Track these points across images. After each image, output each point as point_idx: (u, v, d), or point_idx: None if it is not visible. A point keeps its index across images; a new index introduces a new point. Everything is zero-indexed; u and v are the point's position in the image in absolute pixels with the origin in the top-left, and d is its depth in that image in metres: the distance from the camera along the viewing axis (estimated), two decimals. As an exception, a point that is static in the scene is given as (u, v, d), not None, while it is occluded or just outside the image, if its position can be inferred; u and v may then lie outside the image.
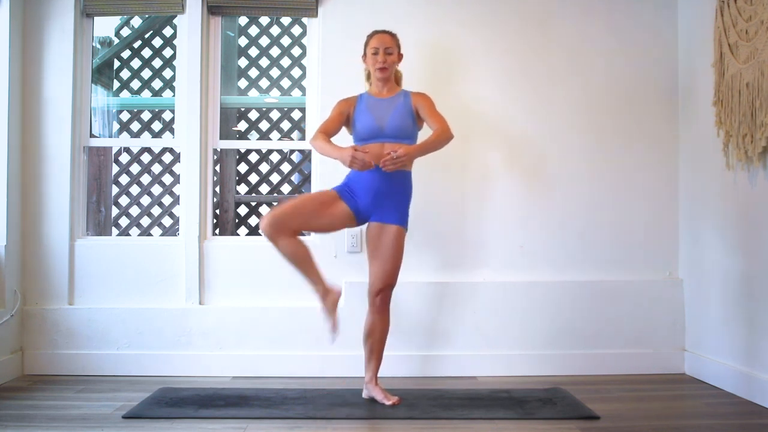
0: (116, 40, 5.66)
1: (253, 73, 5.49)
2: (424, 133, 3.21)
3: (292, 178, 5.59)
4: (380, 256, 3.10)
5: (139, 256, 3.77)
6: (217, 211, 5.26)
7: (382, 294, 3.11)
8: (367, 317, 3.17)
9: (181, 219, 3.82)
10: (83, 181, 3.86)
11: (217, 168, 5.10)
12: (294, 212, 3.03)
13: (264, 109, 5.55)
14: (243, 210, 5.51)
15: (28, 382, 3.50)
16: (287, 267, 3.70)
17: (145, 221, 5.51)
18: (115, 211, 5.53)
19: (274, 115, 5.56)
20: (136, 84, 5.58)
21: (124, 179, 5.59)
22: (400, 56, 3.28)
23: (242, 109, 5.58)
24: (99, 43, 5.52)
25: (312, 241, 3.84)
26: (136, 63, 5.54)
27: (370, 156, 2.99)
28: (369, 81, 3.33)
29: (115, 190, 5.53)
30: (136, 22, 5.66)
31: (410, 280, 3.64)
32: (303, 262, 3.03)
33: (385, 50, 3.19)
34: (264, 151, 5.55)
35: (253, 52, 5.47)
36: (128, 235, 5.48)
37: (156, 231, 5.50)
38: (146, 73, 5.54)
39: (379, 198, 3.11)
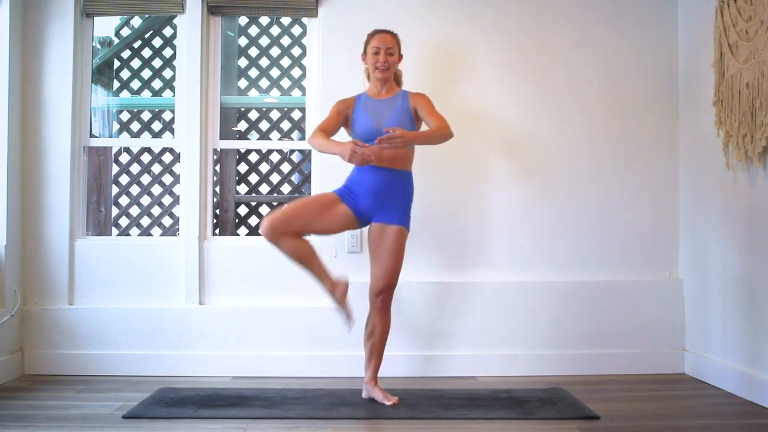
0: (116, 40, 5.66)
1: (253, 73, 5.49)
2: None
3: (292, 178, 5.59)
4: (381, 256, 3.10)
5: (139, 256, 3.77)
6: (217, 211, 5.26)
7: (383, 294, 3.11)
8: (368, 317, 3.17)
9: (181, 219, 3.82)
10: (83, 181, 3.86)
11: (217, 168, 5.10)
12: (294, 214, 3.04)
13: (264, 109, 5.54)
14: (243, 210, 5.50)
15: (28, 382, 3.50)
16: (287, 267, 3.71)
17: (145, 221, 5.51)
18: (115, 211, 5.53)
19: (274, 115, 5.55)
20: (136, 84, 5.58)
21: (124, 179, 5.58)
22: (400, 56, 3.28)
23: (242, 109, 5.58)
24: (99, 43, 5.51)
25: (312, 241, 3.84)
26: (136, 63, 5.54)
27: (370, 152, 2.99)
28: (368, 80, 3.33)
29: (115, 190, 5.52)
30: (136, 22, 5.66)
31: (411, 280, 3.64)
32: (306, 259, 3.04)
33: (386, 50, 3.19)
34: (264, 151, 5.55)
35: (253, 52, 5.46)
36: (128, 235, 5.48)
37: (156, 231, 5.50)
38: (146, 73, 5.54)
39: (380, 199, 3.11)
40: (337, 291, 3.05)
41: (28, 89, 3.74)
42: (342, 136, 3.30)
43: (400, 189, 3.15)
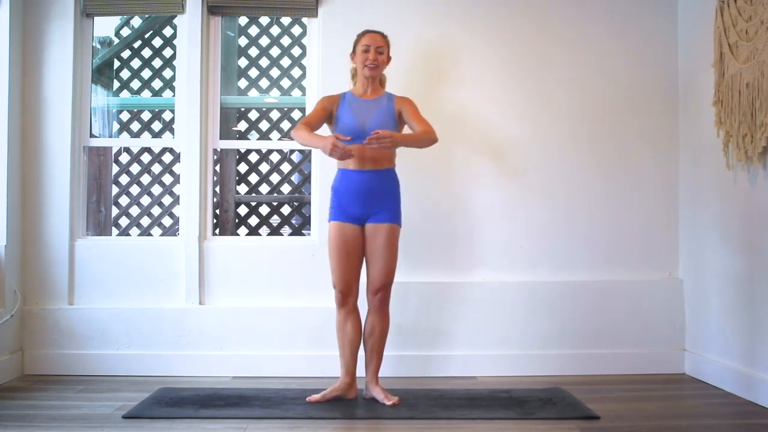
0: (116, 40, 5.66)
1: (253, 73, 5.48)
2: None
3: (292, 178, 5.59)
4: (376, 255, 3.12)
5: (139, 256, 3.77)
6: (217, 211, 5.25)
7: (381, 293, 3.12)
8: (366, 317, 3.17)
9: (181, 219, 3.82)
10: (83, 181, 3.87)
11: (217, 168, 5.10)
12: (349, 276, 3.15)
13: (264, 109, 5.54)
14: (243, 210, 5.50)
15: (28, 382, 3.50)
16: (287, 267, 3.74)
17: (145, 221, 5.51)
18: (115, 211, 5.53)
19: (274, 115, 5.55)
20: (136, 84, 5.58)
21: (124, 179, 5.58)
22: (389, 58, 3.28)
23: (242, 109, 5.58)
24: (99, 43, 5.51)
25: (311, 240, 3.85)
26: (136, 63, 5.53)
27: (351, 147, 3.00)
28: (354, 80, 3.34)
29: (115, 190, 5.52)
30: (136, 22, 5.66)
31: (410, 280, 3.64)
32: (352, 348, 3.16)
33: (376, 49, 3.20)
34: (264, 151, 5.55)
35: (253, 52, 5.46)
36: (128, 235, 5.48)
37: (156, 231, 5.49)
38: (146, 73, 5.53)
39: (370, 200, 3.13)
40: (340, 394, 3.13)
41: (28, 89, 3.74)
42: (324, 132, 3.29)
43: (386, 188, 3.17)
